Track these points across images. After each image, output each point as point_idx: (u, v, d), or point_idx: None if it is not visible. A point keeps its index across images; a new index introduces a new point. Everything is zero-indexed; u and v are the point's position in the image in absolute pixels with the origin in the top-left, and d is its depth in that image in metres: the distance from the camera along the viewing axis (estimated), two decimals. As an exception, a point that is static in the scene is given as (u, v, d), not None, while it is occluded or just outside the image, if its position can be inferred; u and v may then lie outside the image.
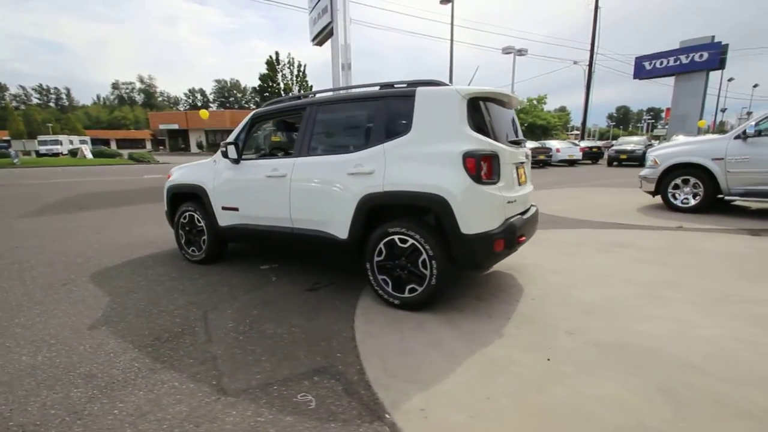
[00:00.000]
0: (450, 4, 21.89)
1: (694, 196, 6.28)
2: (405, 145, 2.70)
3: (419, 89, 2.73)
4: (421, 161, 2.63)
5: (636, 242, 4.58)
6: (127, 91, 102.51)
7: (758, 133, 5.56)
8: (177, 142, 45.90)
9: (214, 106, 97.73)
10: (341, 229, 2.96)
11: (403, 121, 2.75)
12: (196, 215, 3.91)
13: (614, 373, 1.99)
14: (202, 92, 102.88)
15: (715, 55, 22.30)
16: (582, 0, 26.59)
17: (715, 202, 6.11)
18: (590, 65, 28.10)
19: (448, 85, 2.74)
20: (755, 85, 56.21)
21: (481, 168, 2.50)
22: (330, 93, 3.28)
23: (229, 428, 1.66)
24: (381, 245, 2.80)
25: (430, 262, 2.62)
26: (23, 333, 2.54)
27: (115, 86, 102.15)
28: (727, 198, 5.93)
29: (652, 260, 3.87)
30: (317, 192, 3.07)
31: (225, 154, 3.47)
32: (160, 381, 2.01)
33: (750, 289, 3.07)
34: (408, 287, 2.75)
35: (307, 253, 4.29)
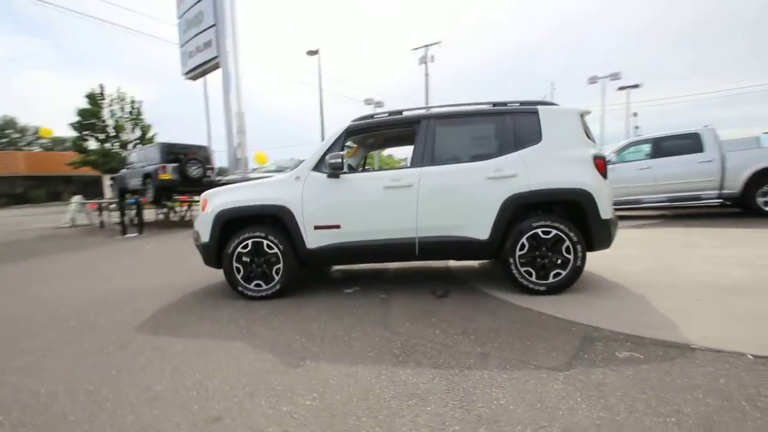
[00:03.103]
0: (316, 56, 23.27)
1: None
2: (540, 152, 3.19)
3: (541, 107, 3.30)
4: (559, 164, 3.16)
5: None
6: None
7: (618, 161, 8.10)
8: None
9: (-26, 149, 73.16)
10: (481, 231, 3.16)
11: (530, 133, 3.25)
12: (266, 241, 3.36)
13: (742, 296, 2.84)
14: (-47, 130, 76.06)
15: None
16: (418, 69, 31.83)
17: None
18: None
19: (558, 104, 3.40)
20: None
21: (604, 167, 3.20)
22: (437, 108, 3.49)
23: (614, 381, 1.76)
24: (523, 239, 3.14)
25: (574, 247, 3.10)
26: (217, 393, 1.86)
27: None
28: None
29: (624, 246, 5.23)
30: (454, 198, 3.20)
31: (335, 167, 3.20)
32: (486, 377, 1.88)
33: (706, 251, 4.58)
34: (552, 273, 3.15)
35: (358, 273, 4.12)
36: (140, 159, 11.69)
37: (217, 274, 4.33)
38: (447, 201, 3.22)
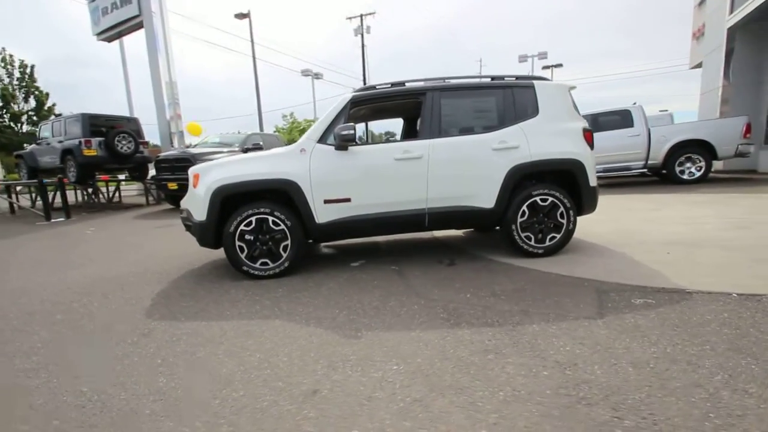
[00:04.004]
0: (247, 20, 21.52)
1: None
2: (538, 124, 3.41)
3: (536, 82, 3.50)
4: (554, 135, 3.40)
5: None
6: None
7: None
8: None
9: None
10: (487, 200, 3.34)
11: (528, 106, 3.45)
12: (272, 218, 3.22)
13: (699, 248, 3.38)
14: None
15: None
16: (355, 42, 31.07)
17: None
18: (364, 93, 33.28)
19: (550, 80, 3.63)
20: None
21: (592, 139, 3.52)
22: (438, 81, 3.52)
23: (645, 323, 2.06)
24: (524, 207, 3.38)
25: (567, 212, 3.41)
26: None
27: None
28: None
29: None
30: (463, 169, 3.32)
31: (346, 139, 3.12)
32: (539, 330, 2.07)
33: (647, 213, 5.28)
34: (548, 236, 3.45)
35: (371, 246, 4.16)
36: (56, 133, 10.16)
37: (196, 256, 4.12)
38: (456, 172, 3.33)
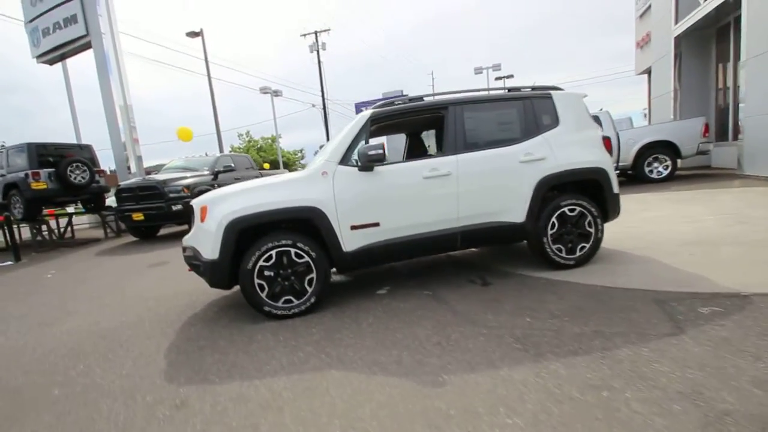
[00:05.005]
0: (200, 38, 20.71)
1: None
2: (560, 135, 3.36)
3: (554, 92, 3.47)
4: (578, 144, 3.37)
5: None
6: None
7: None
8: None
9: None
10: (517, 214, 3.23)
11: (548, 116, 3.40)
12: (295, 249, 2.91)
13: (716, 246, 3.45)
14: None
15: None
16: (310, 58, 30.85)
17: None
18: (324, 109, 33.06)
19: (563, 89, 3.61)
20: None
21: (611, 146, 3.53)
22: (457, 94, 3.39)
23: (729, 334, 1.99)
24: (554, 218, 3.30)
25: (594, 221, 3.37)
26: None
27: None
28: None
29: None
30: (492, 183, 3.19)
31: (375, 159, 2.89)
32: (632, 354, 1.94)
33: (640, 214, 5.43)
34: (579, 246, 3.38)
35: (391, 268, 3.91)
36: (-5, 165, 9.06)
37: (193, 297, 3.74)
38: (486, 187, 3.20)
